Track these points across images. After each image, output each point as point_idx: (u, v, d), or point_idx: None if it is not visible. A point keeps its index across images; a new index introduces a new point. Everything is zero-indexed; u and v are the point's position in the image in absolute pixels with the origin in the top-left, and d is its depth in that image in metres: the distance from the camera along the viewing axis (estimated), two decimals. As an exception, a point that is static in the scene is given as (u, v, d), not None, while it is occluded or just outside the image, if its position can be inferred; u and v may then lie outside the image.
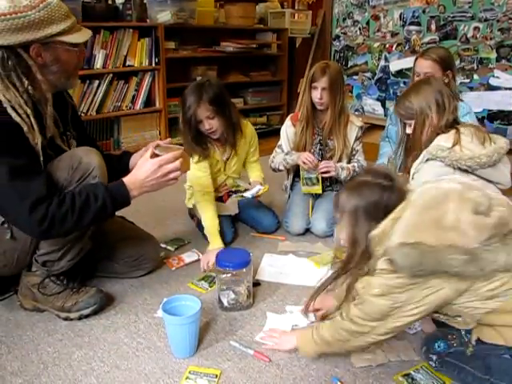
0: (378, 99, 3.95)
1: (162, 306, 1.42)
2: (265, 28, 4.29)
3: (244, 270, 1.60)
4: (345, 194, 1.27)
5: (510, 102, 3.20)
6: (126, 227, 1.92)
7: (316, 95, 2.18)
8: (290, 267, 1.97)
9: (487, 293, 1.13)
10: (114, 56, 3.15)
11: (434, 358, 1.31)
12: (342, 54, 4.13)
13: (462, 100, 2.28)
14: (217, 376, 1.34)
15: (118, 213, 1.61)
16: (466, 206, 1.13)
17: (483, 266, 1.09)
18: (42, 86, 1.40)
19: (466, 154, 1.59)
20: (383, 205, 1.20)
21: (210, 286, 1.80)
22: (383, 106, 3.92)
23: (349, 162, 2.30)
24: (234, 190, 2.30)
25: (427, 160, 1.67)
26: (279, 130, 2.44)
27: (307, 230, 2.30)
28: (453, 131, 1.67)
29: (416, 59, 2.35)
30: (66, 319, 1.58)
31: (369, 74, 3.97)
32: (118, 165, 1.73)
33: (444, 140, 1.65)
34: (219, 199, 2.28)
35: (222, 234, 2.06)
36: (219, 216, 2.13)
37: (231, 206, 2.26)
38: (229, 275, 1.60)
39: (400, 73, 3.75)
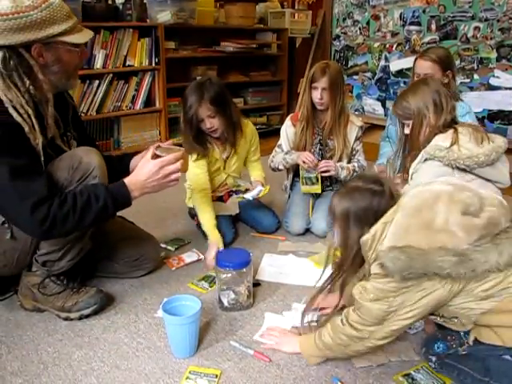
0: (378, 99, 3.95)
1: (162, 306, 1.42)
2: (265, 28, 4.29)
3: (244, 269, 1.60)
4: (336, 199, 1.29)
5: (510, 101, 3.20)
6: (126, 227, 1.92)
7: (316, 95, 2.18)
8: (290, 267, 1.97)
9: (481, 293, 1.14)
10: (114, 56, 3.15)
11: (434, 359, 1.31)
12: (342, 54, 4.13)
13: (461, 100, 2.29)
14: (217, 376, 1.34)
15: (118, 213, 1.61)
16: (456, 207, 1.13)
17: (475, 267, 1.09)
18: (43, 86, 1.40)
19: (465, 154, 1.59)
20: (374, 210, 1.21)
21: (210, 286, 1.80)
22: (383, 105, 3.92)
23: (349, 162, 2.30)
24: (234, 189, 2.30)
25: (426, 160, 1.67)
26: (279, 129, 2.44)
27: (307, 230, 2.30)
28: (451, 131, 1.67)
29: (415, 60, 2.35)
30: (66, 319, 1.58)
31: (369, 74, 3.97)
32: (119, 166, 1.73)
33: (442, 140, 1.65)
34: (219, 199, 2.29)
35: (222, 234, 2.06)
36: (219, 216, 2.14)
37: (232, 206, 2.26)
38: (229, 275, 1.60)
39: (400, 73, 3.75)
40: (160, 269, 1.94)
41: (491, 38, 3.21)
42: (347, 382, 1.32)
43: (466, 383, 1.24)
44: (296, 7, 4.69)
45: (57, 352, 1.44)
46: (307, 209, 2.34)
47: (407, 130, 1.79)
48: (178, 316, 1.39)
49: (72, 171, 1.45)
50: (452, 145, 1.62)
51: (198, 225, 2.16)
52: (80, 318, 1.59)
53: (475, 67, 3.33)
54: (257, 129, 2.39)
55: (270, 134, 3.85)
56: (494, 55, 3.23)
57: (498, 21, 3.16)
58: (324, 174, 2.23)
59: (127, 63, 3.24)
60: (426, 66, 2.25)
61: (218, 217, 2.14)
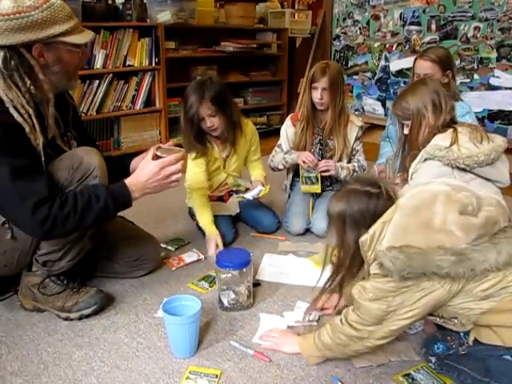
0: (378, 99, 3.95)
1: (162, 306, 1.42)
2: (265, 28, 4.29)
3: (244, 269, 1.60)
4: (333, 202, 1.29)
5: (510, 101, 3.20)
6: (126, 227, 1.92)
7: (316, 95, 2.19)
8: (290, 267, 1.97)
9: (481, 293, 1.14)
10: (114, 56, 3.15)
11: (433, 359, 1.31)
12: (342, 54, 4.13)
13: (461, 100, 2.29)
14: (217, 376, 1.34)
15: (118, 213, 1.61)
16: (453, 207, 1.14)
17: (473, 266, 1.09)
18: (44, 86, 1.40)
19: (464, 153, 1.60)
20: (370, 212, 1.22)
21: (210, 286, 1.80)
22: (383, 105, 3.92)
23: (349, 162, 2.30)
24: (234, 189, 2.30)
25: (425, 160, 1.67)
26: (279, 129, 2.44)
27: (307, 230, 2.30)
28: (450, 130, 1.67)
29: (415, 60, 2.35)
30: (66, 319, 1.58)
31: (369, 74, 3.97)
32: (119, 167, 1.73)
33: (441, 139, 1.65)
34: (220, 199, 2.29)
35: (222, 234, 2.06)
36: (220, 216, 2.14)
37: (232, 206, 2.26)
38: (229, 275, 1.60)
39: (400, 72, 3.75)
40: (160, 269, 1.94)
41: (491, 38, 3.22)
42: (347, 382, 1.32)
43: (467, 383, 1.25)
44: (296, 7, 4.69)
45: (57, 352, 1.45)
46: (307, 209, 2.35)
47: (406, 131, 1.79)
48: (178, 316, 1.39)
49: (72, 171, 1.45)
50: (452, 144, 1.62)
51: (198, 225, 2.16)
52: (80, 318, 1.59)
53: (475, 67, 3.33)
54: (257, 129, 2.39)
55: (270, 134, 3.85)
56: (494, 55, 3.23)
57: (498, 21, 3.16)
58: (324, 174, 2.23)
59: (127, 63, 3.24)
60: (425, 66, 2.25)
61: (218, 217, 2.14)
